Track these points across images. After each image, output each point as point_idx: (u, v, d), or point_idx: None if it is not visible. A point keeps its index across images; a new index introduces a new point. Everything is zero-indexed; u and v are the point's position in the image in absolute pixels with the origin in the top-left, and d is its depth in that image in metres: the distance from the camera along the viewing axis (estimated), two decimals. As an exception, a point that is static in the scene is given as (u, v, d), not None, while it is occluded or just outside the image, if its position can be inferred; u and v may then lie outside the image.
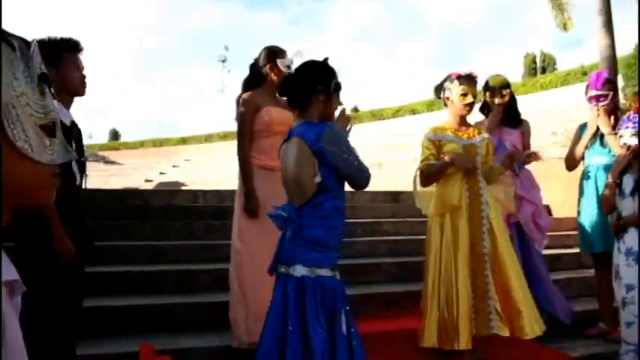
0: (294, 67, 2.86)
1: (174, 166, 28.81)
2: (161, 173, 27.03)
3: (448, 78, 3.35)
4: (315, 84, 2.36)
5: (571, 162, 4.01)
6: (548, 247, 5.16)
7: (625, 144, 3.17)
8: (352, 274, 4.44)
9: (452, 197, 3.18)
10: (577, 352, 3.50)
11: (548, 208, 6.98)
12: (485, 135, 3.39)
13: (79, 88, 2.72)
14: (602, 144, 3.87)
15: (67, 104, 2.69)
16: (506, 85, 4.01)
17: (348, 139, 2.40)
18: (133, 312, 3.40)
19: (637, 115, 3.15)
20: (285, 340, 2.19)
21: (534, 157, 3.42)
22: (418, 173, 3.28)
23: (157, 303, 3.53)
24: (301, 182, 2.30)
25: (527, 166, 4.02)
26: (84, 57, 2.77)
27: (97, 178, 24.43)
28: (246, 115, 3.18)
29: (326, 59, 2.54)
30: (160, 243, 4.55)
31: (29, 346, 2.19)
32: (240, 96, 3.31)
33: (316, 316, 2.20)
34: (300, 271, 2.25)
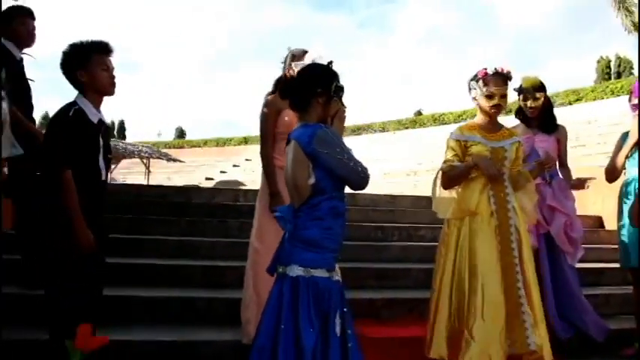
0: None
1: (234, 166, 29.55)
2: (222, 172, 27.81)
3: (474, 77, 3.13)
4: (315, 87, 2.39)
5: (611, 173, 3.79)
6: (592, 260, 4.94)
7: None
8: (381, 277, 4.46)
9: (470, 202, 3.02)
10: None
11: (600, 220, 6.68)
12: (517, 138, 3.19)
13: (108, 88, 2.87)
14: None
15: (97, 103, 2.83)
16: (540, 87, 3.85)
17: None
18: (157, 302, 3.56)
19: None
20: (278, 338, 2.24)
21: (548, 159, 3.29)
22: (439, 174, 3.13)
23: (180, 295, 3.67)
24: (297, 184, 2.35)
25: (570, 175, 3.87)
26: (114, 58, 2.93)
27: (161, 174, 25.49)
28: (269, 116, 3.26)
29: (330, 63, 2.59)
30: (194, 239, 4.70)
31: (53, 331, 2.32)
32: (266, 97, 3.39)
33: (308, 316, 2.22)
34: (295, 271, 2.30)
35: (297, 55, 3.26)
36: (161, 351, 3.12)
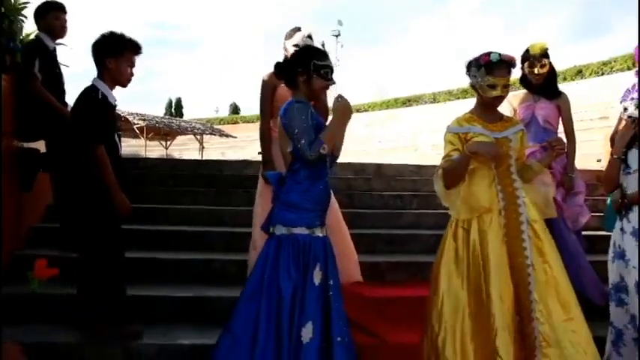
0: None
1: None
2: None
3: (475, 62, 2.76)
4: (296, 66, 2.70)
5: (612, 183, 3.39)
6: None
7: (629, 117, 3.02)
8: (391, 242, 4.69)
9: (481, 198, 2.68)
10: (602, 332, 3.40)
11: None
12: (520, 126, 2.88)
13: (124, 82, 3.25)
14: None
15: (111, 88, 3.21)
16: (547, 53, 3.87)
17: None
18: (179, 263, 3.99)
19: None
20: (262, 288, 2.58)
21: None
22: (440, 172, 2.74)
23: (198, 258, 4.07)
24: (282, 151, 2.75)
25: None
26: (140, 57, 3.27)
27: (215, 150, 26.28)
28: (265, 94, 3.55)
29: (322, 44, 2.86)
30: (220, 208, 5.08)
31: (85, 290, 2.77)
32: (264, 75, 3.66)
33: (287, 269, 2.56)
34: (279, 229, 2.66)
35: (288, 34, 3.49)
36: (178, 305, 3.53)
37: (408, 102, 28.58)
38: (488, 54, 2.70)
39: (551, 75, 3.94)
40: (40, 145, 4.27)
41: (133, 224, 4.42)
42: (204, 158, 19.04)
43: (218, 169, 6.40)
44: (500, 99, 2.77)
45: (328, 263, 2.64)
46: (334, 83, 2.80)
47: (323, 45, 2.81)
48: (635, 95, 3.02)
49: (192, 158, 17.01)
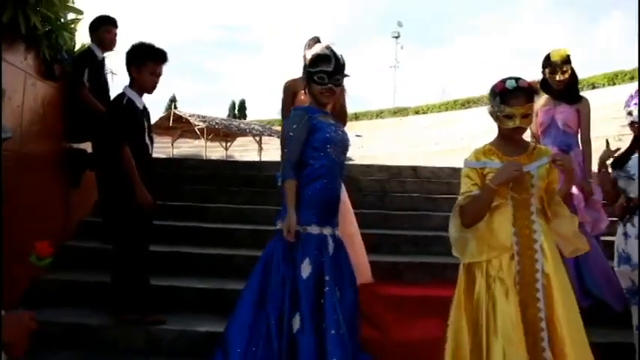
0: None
1: (344, 141, 30.22)
2: (332, 147, 28.60)
3: (492, 89, 2.50)
4: (303, 75, 2.92)
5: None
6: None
7: (633, 122, 3.01)
8: (415, 244, 4.78)
9: (501, 237, 2.42)
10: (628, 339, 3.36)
11: None
12: (546, 159, 2.47)
13: (148, 89, 3.55)
14: None
15: (140, 94, 3.53)
16: (568, 60, 3.89)
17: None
18: (201, 257, 4.27)
19: None
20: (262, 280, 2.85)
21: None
22: (457, 210, 2.49)
23: (223, 253, 4.34)
24: None
25: None
26: (166, 65, 3.57)
27: (275, 151, 26.85)
28: (286, 99, 3.76)
29: (327, 47, 3.03)
30: (252, 207, 5.35)
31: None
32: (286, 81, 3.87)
33: (277, 261, 2.79)
34: (279, 224, 2.89)
35: (307, 44, 3.67)
36: (195, 295, 3.81)
37: (467, 104, 28.14)
38: (504, 81, 2.42)
39: (573, 81, 3.94)
40: (88, 147, 4.68)
41: (169, 220, 4.78)
42: (262, 159, 19.59)
43: (257, 170, 6.68)
44: (519, 130, 2.46)
45: (325, 260, 2.81)
46: (329, 86, 2.90)
47: (329, 48, 2.96)
48: (637, 100, 3.00)
49: (245, 160, 17.55)
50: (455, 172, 6.93)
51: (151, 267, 3.58)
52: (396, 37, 35.26)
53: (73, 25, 4.33)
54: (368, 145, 25.96)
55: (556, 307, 2.34)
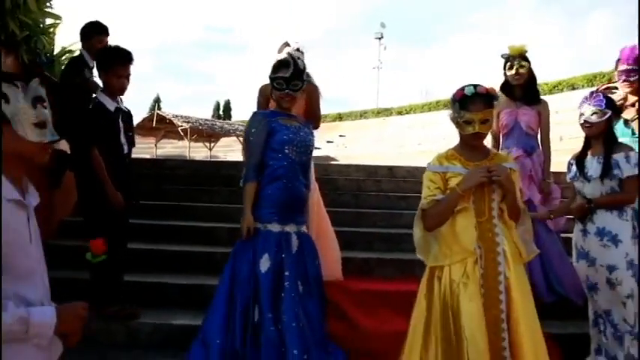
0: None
1: (328, 142, 30.29)
2: (316, 148, 28.68)
3: (452, 96, 2.54)
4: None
5: None
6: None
7: (585, 121, 3.12)
8: (386, 240, 4.95)
9: (465, 241, 2.46)
10: (584, 330, 3.49)
11: None
12: (509, 164, 2.55)
13: (116, 91, 3.66)
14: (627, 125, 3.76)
15: (112, 97, 3.65)
16: (525, 56, 3.99)
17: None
18: (181, 255, 4.43)
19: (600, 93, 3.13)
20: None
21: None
22: (419, 214, 2.54)
23: (205, 250, 4.49)
24: None
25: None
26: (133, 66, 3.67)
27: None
28: (260, 102, 3.89)
29: (290, 53, 3.19)
30: (232, 206, 5.47)
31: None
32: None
33: (242, 258, 3.01)
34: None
35: (279, 48, 3.82)
36: (177, 291, 3.98)
37: (449, 104, 28.40)
38: (463, 88, 2.49)
39: (531, 81, 4.09)
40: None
41: (151, 219, 4.91)
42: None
43: (238, 170, 6.79)
44: (478, 136, 2.50)
45: (285, 256, 2.98)
46: (287, 92, 3.10)
47: (296, 52, 3.12)
48: (592, 102, 3.14)
49: (228, 160, 17.62)
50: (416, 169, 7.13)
51: (129, 264, 3.73)
52: (379, 39, 35.49)
53: (52, 30, 4.42)
54: (352, 146, 26.10)
55: (516, 308, 2.41)
